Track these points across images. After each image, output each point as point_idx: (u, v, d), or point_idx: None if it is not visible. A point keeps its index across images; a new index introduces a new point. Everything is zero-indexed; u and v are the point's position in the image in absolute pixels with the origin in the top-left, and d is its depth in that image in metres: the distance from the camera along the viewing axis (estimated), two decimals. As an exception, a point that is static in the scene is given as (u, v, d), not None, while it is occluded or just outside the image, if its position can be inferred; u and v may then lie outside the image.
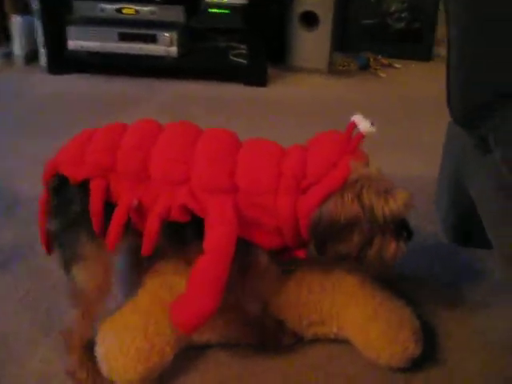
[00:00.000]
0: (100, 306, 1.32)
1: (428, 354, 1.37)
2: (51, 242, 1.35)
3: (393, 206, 1.21)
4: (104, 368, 1.28)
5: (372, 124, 1.23)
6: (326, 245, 1.24)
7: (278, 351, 1.38)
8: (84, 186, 1.27)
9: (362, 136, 1.23)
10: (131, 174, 1.27)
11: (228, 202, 1.21)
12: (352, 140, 1.25)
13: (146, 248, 1.26)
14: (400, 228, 1.25)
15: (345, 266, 1.42)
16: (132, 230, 1.29)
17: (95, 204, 1.25)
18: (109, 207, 1.26)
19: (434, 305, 1.54)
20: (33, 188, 2.01)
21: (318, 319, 1.37)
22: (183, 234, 1.29)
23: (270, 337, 1.38)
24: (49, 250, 1.36)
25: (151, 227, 1.24)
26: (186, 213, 1.23)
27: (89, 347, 1.32)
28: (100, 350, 1.29)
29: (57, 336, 1.41)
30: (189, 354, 1.36)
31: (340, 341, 1.40)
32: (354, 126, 1.26)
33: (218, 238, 1.18)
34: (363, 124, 1.23)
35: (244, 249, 1.22)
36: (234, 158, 1.27)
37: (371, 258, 1.25)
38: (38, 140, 2.45)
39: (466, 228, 1.80)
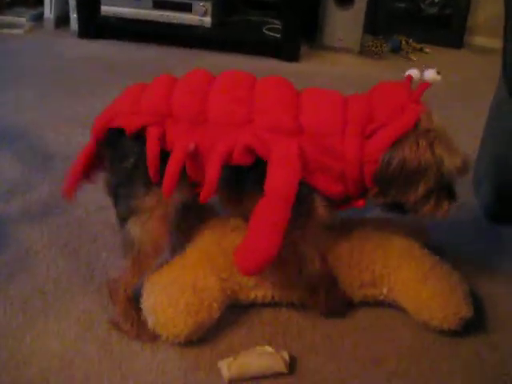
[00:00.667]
0: (154, 261, 1.31)
1: (474, 323, 1.35)
2: (76, 189, 1.35)
3: (458, 162, 1.21)
4: (151, 321, 1.26)
5: (438, 72, 1.23)
6: (391, 190, 1.22)
7: (331, 316, 1.38)
8: (138, 138, 1.25)
9: (427, 85, 1.22)
10: (188, 117, 1.25)
11: (293, 145, 1.19)
12: (418, 89, 1.23)
13: (206, 193, 1.22)
14: (450, 188, 1.26)
15: (394, 229, 1.42)
16: (184, 184, 1.27)
17: (152, 151, 1.23)
18: (164, 157, 1.24)
19: (477, 277, 1.52)
20: (64, 143, 2.04)
21: (370, 280, 1.36)
22: (243, 182, 1.26)
23: (325, 299, 1.35)
24: (71, 196, 1.36)
25: (212, 170, 1.20)
26: (250, 155, 1.20)
27: (133, 298, 1.32)
28: (147, 303, 1.28)
29: (98, 287, 1.41)
30: (233, 311, 1.36)
31: (387, 304, 1.39)
32: (410, 78, 1.27)
33: (280, 181, 1.16)
34: (429, 72, 1.23)
35: (303, 196, 1.19)
36: (296, 101, 1.25)
37: (425, 212, 1.25)
38: (67, 99, 2.45)
39: (507, 208, 1.79)
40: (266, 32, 3.14)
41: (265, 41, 3.12)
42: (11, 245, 1.55)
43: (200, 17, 3.00)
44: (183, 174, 1.25)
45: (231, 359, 1.20)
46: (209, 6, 2.99)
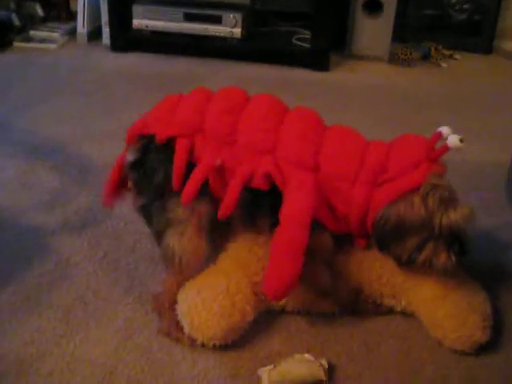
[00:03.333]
0: (195, 271, 1.35)
1: (496, 341, 1.35)
2: (115, 197, 1.43)
3: (452, 216, 1.22)
4: (186, 325, 1.30)
5: (461, 140, 1.24)
6: (388, 243, 1.27)
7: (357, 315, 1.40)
8: (166, 153, 1.31)
9: (447, 148, 1.25)
10: (218, 136, 1.31)
11: (309, 176, 1.25)
12: (437, 150, 1.26)
13: (224, 210, 1.28)
14: (455, 241, 1.25)
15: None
16: (209, 196, 1.32)
17: (179, 161, 1.29)
18: (188, 169, 1.30)
19: (507, 293, 1.51)
20: (100, 155, 2.09)
21: (390, 293, 1.38)
22: (258, 206, 1.33)
23: (345, 305, 1.39)
24: (110, 203, 1.44)
25: (233, 189, 1.27)
26: (267, 181, 1.26)
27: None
28: (182, 308, 1.31)
29: (138, 296, 1.44)
30: (271, 319, 1.38)
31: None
32: (439, 136, 1.28)
33: (296, 206, 1.21)
34: (453, 138, 1.25)
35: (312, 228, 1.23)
36: (320, 139, 1.30)
37: (420, 263, 1.27)
38: (101, 111, 2.51)
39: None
40: (296, 42, 3.17)
41: (294, 51, 3.14)
42: (52, 255, 1.59)
43: (230, 28, 3.04)
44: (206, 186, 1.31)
45: (271, 367, 1.22)
46: (239, 17, 3.02)
